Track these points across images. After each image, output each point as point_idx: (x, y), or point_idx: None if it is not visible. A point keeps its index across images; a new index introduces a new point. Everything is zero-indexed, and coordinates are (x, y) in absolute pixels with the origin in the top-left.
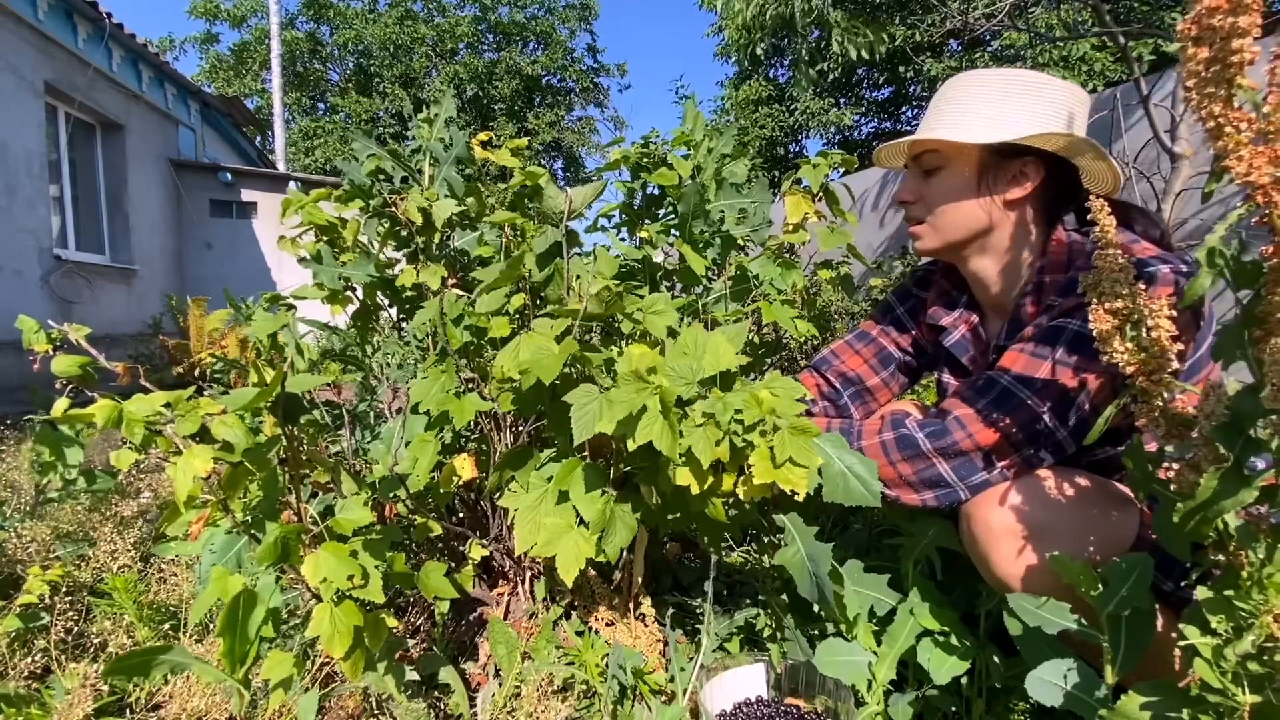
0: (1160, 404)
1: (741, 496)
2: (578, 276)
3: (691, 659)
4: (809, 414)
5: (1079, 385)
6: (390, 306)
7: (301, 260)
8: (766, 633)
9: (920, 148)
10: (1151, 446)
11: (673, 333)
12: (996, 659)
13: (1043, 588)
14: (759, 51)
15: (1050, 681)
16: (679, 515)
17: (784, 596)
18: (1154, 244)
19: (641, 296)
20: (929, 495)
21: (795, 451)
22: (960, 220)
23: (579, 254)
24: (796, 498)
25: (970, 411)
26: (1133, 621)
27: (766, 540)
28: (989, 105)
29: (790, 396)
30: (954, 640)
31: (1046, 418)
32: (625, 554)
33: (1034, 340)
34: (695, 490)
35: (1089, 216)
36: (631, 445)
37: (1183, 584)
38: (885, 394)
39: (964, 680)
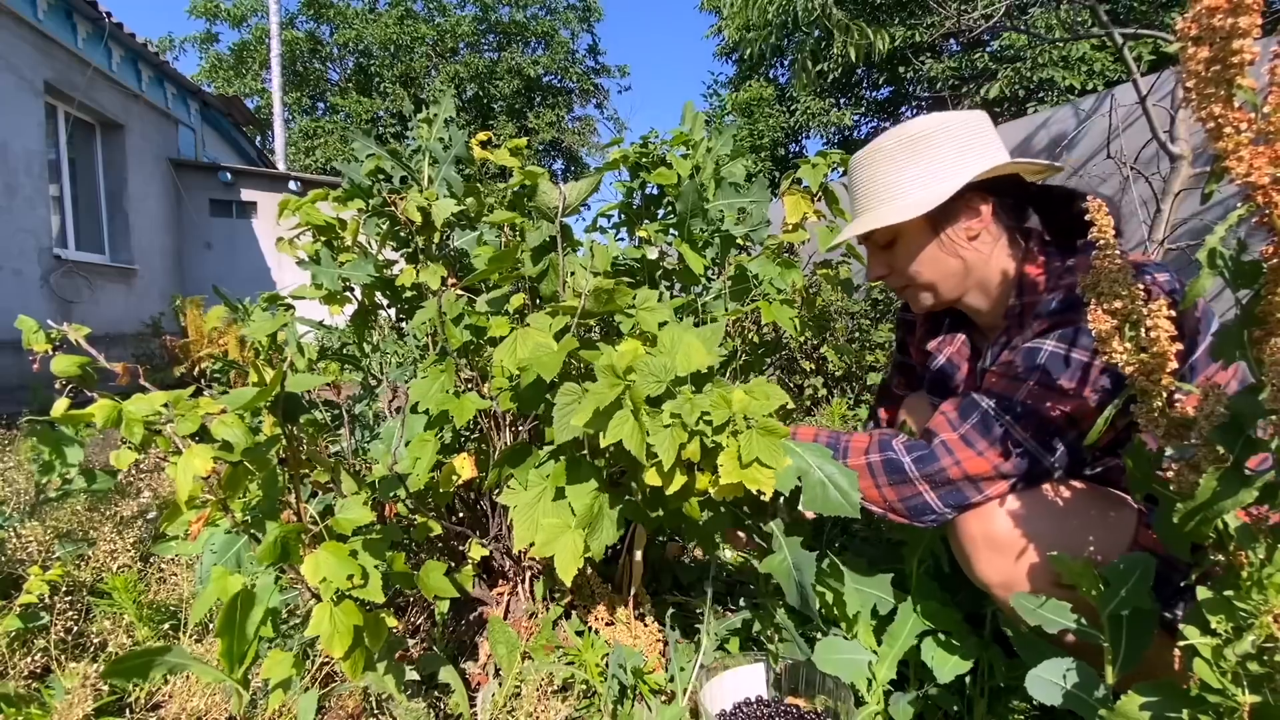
0: (1159, 405)
1: (714, 495)
2: (572, 272)
3: (691, 659)
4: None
5: (1060, 407)
6: (389, 306)
7: (300, 263)
8: (767, 632)
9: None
10: (1153, 446)
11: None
12: (1000, 658)
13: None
14: (756, 52)
15: (1050, 681)
16: (662, 514)
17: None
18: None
19: (637, 286)
20: (916, 521)
21: (762, 452)
22: (941, 271)
23: (573, 254)
24: (763, 498)
25: (955, 437)
26: (1133, 622)
27: (760, 543)
28: (906, 169)
29: (765, 399)
30: (956, 639)
31: (1029, 443)
32: (625, 554)
33: (1011, 364)
34: (668, 490)
35: (1088, 216)
36: (604, 441)
37: (1180, 601)
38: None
39: (967, 679)
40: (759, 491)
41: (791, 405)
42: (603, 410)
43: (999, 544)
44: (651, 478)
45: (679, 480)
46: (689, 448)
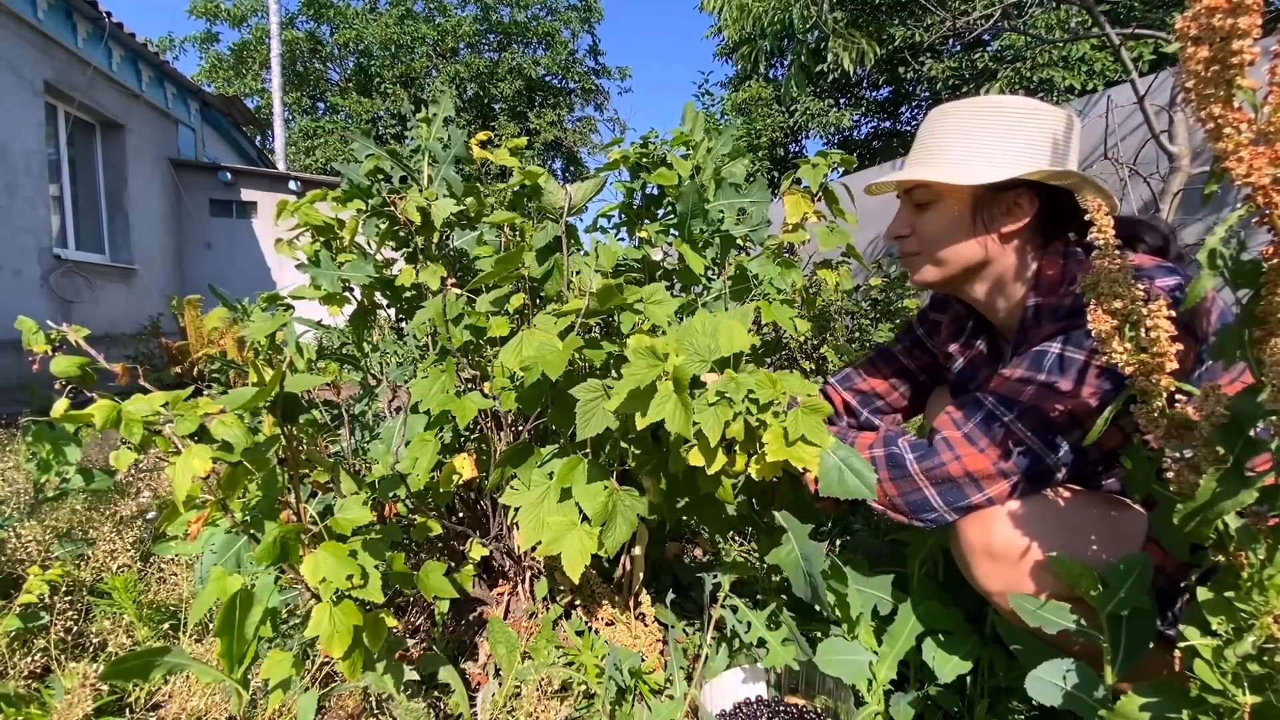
0: (1160, 405)
1: (754, 476)
2: (577, 272)
3: (691, 658)
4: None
5: (1064, 410)
6: (389, 306)
7: (300, 266)
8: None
9: (910, 184)
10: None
11: (672, 323)
12: (1001, 658)
13: None
14: (750, 60)
15: (1050, 681)
16: (685, 503)
17: (784, 596)
18: (1157, 254)
19: (639, 285)
20: (915, 519)
21: (808, 429)
22: (956, 256)
23: (577, 253)
24: (809, 474)
25: (958, 434)
26: (1132, 622)
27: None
28: (978, 138)
29: (798, 388)
30: (957, 639)
31: (1032, 443)
32: (626, 553)
33: (1019, 366)
34: (710, 469)
35: (1087, 217)
36: (640, 423)
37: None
38: (903, 406)
39: (968, 679)
40: (804, 470)
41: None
42: (642, 390)
43: (998, 554)
44: (695, 457)
45: (720, 460)
46: (733, 426)
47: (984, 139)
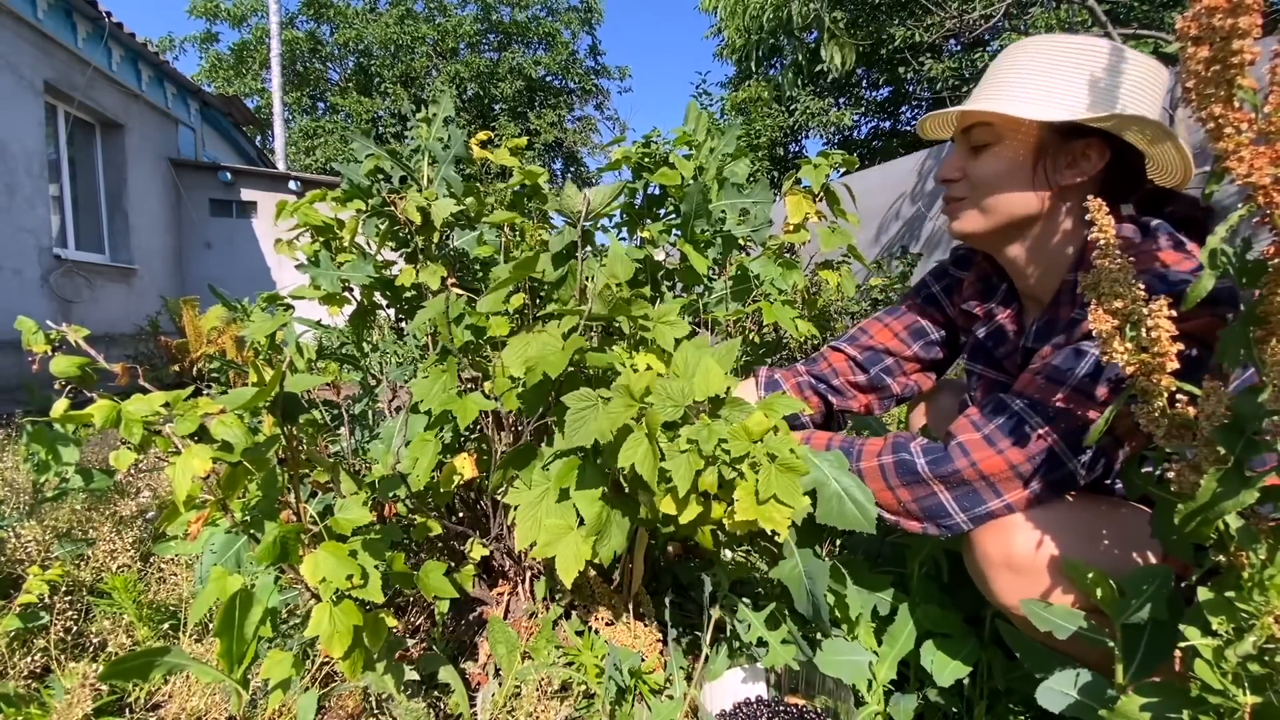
0: (1161, 405)
1: (728, 528)
2: (590, 278)
3: (690, 659)
4: (803, 425)
5: (1093, 413)
6: (389, 307)
7: (299, 266)
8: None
9: (971, 120)
10: None
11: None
12: (1000, 660)
13: None
14: (758, 53)
15: (1061, 692)
16: (673, 528)
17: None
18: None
19: (652, 296)
20: (930, 525)
21: (780, 489)
22: (1007, 204)
23: (592, 259)
24: (777, 537)
25: (976, 437)
26: (1152, 633)
27: (764, 545)
28: (1055, 76)
29: (785, 408)
30: (956, 642)
31: (1056, 446)
32: (625, 554)
33: (1052, 363)
34: (681, 519)
35: (1088, 216)
36: (618, 462)
37: None
38: (913, 366)
39: (966, 681)
40: (773, 531)
41: (810, 411)
42: (617, 433)
43: (1019, 565)
44: (666, 505)
45: (694, 509)
46: (706, 477)
47: (1058, 77)
